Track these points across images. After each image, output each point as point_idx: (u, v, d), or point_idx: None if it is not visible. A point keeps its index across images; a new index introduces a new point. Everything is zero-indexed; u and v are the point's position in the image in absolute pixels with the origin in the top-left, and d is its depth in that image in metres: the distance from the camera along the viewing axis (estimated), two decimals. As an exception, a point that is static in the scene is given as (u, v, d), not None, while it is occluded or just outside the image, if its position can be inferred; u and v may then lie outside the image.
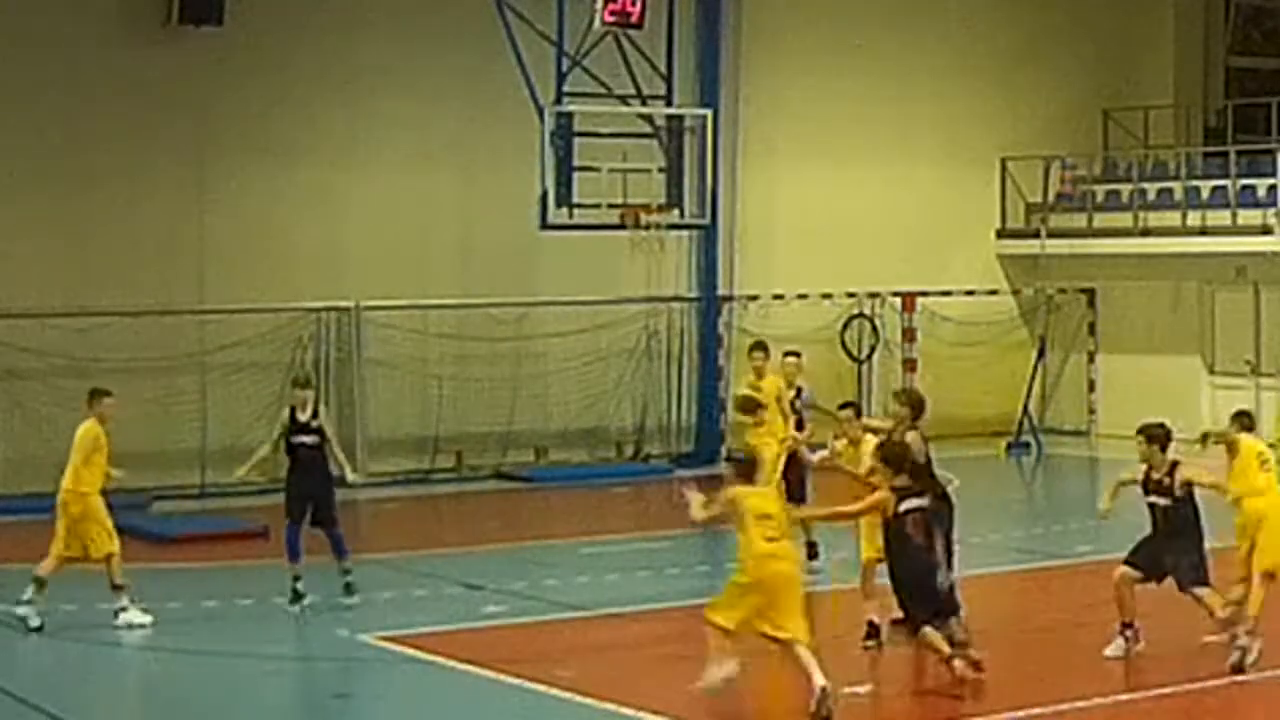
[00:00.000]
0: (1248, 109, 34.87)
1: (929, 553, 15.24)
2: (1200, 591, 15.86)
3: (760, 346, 21.52)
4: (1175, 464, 16.23)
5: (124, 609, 17.85)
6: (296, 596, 18.50)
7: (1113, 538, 22.74)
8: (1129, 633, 16.17)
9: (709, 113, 26.90)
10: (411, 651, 16.69)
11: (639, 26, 25.62)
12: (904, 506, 15.10)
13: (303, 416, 18.92)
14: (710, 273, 31.01)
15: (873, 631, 16.57)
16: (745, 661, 14.67)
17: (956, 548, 16.32)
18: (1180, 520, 15.96)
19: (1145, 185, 32.88)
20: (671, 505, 20.98)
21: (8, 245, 26.38)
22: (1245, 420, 17.20)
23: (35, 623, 17.70)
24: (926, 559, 15.20)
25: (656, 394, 30.59)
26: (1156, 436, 16.35)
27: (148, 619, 17.84)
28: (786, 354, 21.61)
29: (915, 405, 17.03)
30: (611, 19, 25.30)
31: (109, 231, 26.99)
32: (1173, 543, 15.97)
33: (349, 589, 18.64)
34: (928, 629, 14.97)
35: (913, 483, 15.28)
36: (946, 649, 14.99)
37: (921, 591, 15.07)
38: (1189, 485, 15.99)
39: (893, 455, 15.44)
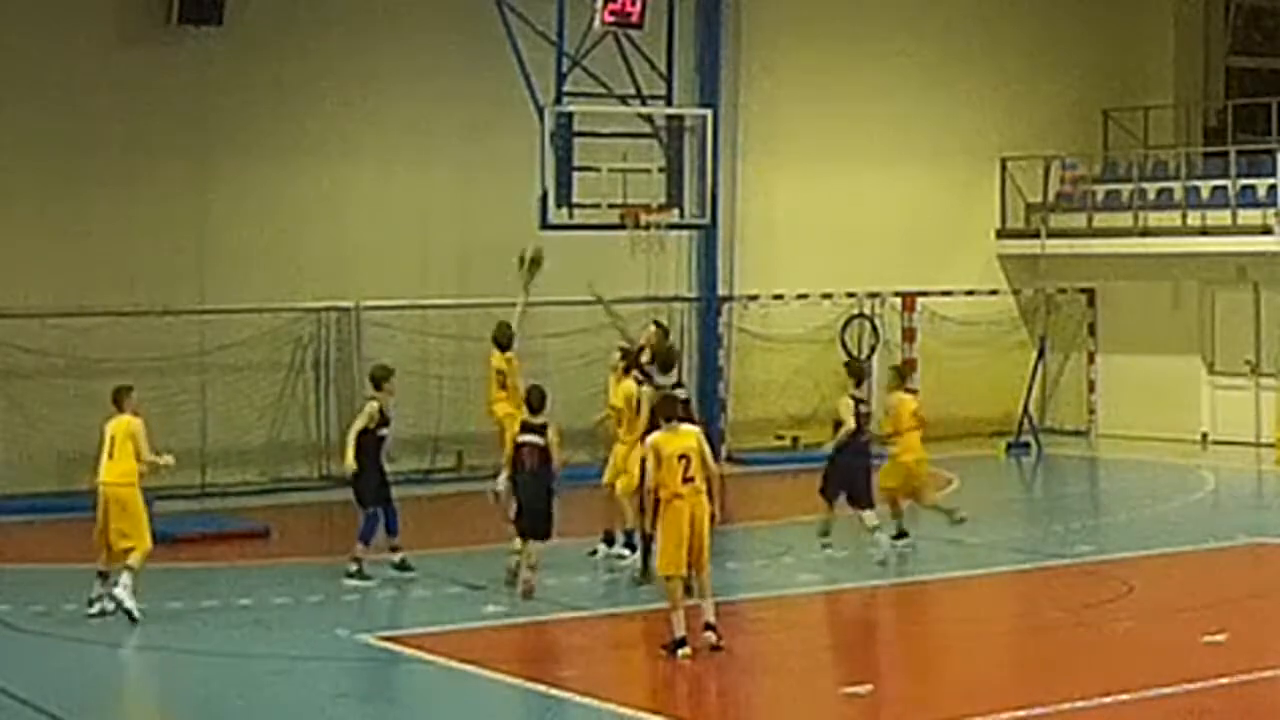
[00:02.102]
0: (1248, 109, 34.88)
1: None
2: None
3: (620, 352, 21.71)
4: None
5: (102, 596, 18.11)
6: (404, 566, 19.93)
7: (1113, 538, 22.85)
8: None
9: (709, 113, 26.86)
10: (411, 651, 16.69)
11: (639, 27, 25.59)
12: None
13: (390, 414, 20.19)
14: (710, 273, 31.01)
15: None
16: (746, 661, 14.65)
17: None
18: None
19: (1145, 185, 32.89)
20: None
21: (8, 245, 26.37)
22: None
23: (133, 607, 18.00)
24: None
25: (657, 394, 30.53)
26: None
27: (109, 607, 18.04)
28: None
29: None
30: (611, 19, 25.27)
31: (109, 231, 26.98)
32: None
33: (404, 565, 19.97)
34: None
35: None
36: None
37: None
38: None
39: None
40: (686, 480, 16.02)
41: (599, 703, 14.71)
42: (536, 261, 22.63)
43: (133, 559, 18.02)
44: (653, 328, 21.80)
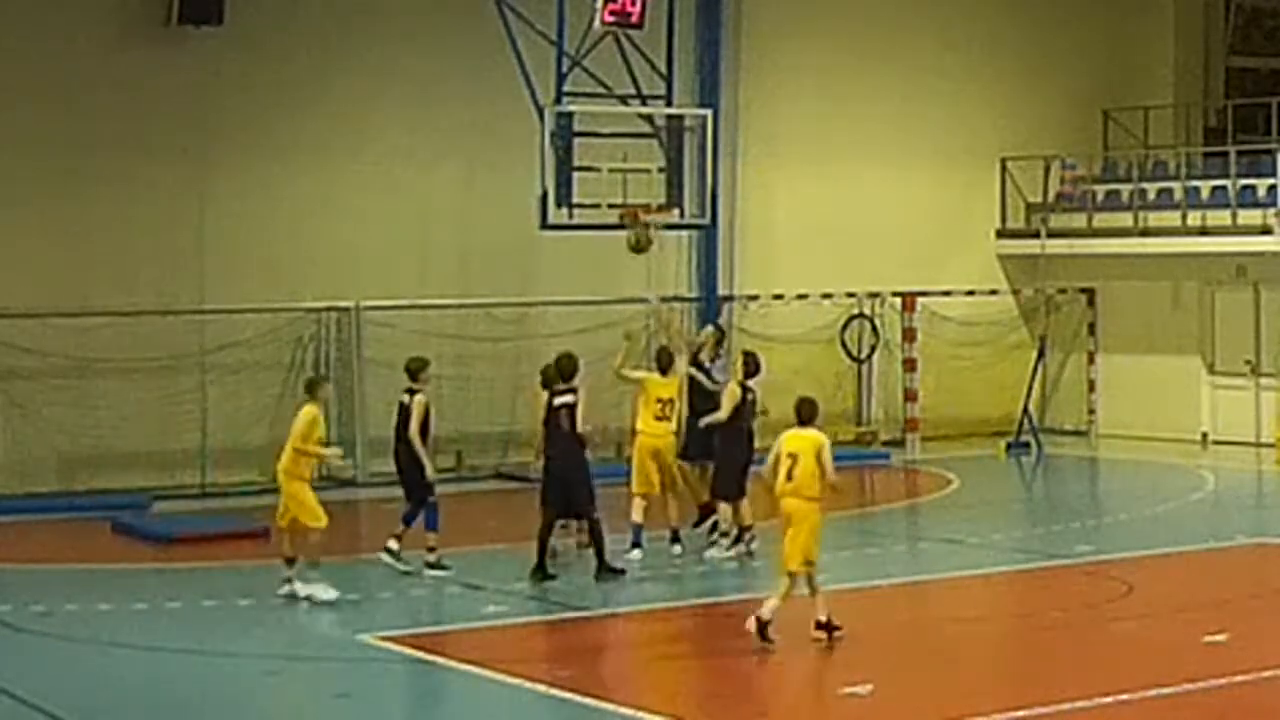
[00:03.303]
0: (1248, 109, 34.88)
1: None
2: None
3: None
4: None
5: (289, 580, 18.75)
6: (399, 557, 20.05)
7: (1113, 538, 22.85)
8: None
9: (709, 113, 26.85)
10: (411, 651, 16.69)
11: (639, 26, 25.59)
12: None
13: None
14: (710, 273, 31.01)
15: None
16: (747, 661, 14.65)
17: None
18: None
19: (1145, 185, 32.88)
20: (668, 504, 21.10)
21: (8, 245, 26.38)
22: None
23: (330, 595, 18.60)
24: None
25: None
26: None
27: (333, 595, 18.51)
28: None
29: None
30: (611, 19, 25.27)
31: (109, 231, 26.98)
32: None
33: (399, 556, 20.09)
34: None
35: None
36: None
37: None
38: None
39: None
40: (788, 478, 16.37)
41: (599, 703, 14.71)
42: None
43: (308, 536, 18.67)
44: (710, 329, 22.86)
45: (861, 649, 16.50)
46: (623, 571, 19.71)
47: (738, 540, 20.78)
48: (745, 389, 20.83)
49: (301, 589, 18.59)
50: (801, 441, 16.51)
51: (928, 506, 26.41)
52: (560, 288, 29.34)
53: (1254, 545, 22.25)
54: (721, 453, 20.87)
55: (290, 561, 18.78)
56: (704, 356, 21.93)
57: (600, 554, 19.70)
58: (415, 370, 20.30)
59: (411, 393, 20.08)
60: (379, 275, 28.39)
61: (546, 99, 25.47)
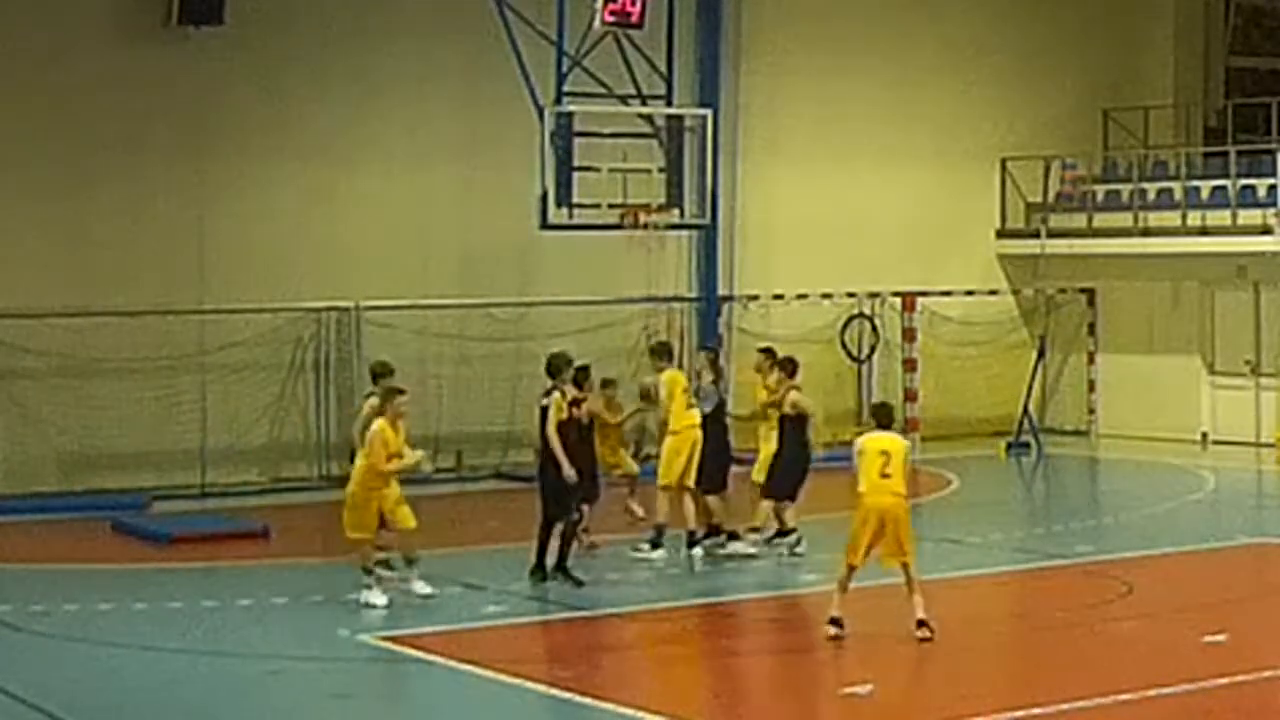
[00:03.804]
0: (1248, 109, 34.88)
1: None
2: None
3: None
4: None
5: (368, 587, 18.54)
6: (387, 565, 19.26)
7: (1113, 538, 22.85)
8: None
9: (709, 113, 26.89)
10: (411, 651, 16.70)
11: (639, 26, 25.61)
12: None
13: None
14: (710, 273, 31.01)
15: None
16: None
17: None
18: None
19: (1145, 185, 32.88)
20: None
21: (8, 245, 26.38)
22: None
23: (381, 600, 18.43)
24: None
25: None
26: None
27: (383, 599, 18.39)
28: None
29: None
30: (611, 19, 25.29)
31: (109, 231, 26.98)
32: None
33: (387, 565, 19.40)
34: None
35: None
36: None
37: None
38: None
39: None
40: (884, 476, 16.66)
41: (599, 703, 14.71)
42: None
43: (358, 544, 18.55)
44: (705, 351, 22.59)
45: (861, 649, 16.51)
46: (581, 583, 19.40)
47: (772, 539, 20.76)
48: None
49: (363, 595, 18.44)
50: (892, 443, 16.91)
51: (928, 506, 26.36)
52: (560, 288, 29.33)
53: (1254, 545, 22.26)
54: (786, 453, 20.72)
55: (410, 562, 18.70)
56: (704, 381, 21.52)
57: (563, 554, 19.52)
58: (378, 374, 19.98)
59: (370, 396, 19.90)
60: (379, 275, 28.38)
61: (546, 99, 25.49)
